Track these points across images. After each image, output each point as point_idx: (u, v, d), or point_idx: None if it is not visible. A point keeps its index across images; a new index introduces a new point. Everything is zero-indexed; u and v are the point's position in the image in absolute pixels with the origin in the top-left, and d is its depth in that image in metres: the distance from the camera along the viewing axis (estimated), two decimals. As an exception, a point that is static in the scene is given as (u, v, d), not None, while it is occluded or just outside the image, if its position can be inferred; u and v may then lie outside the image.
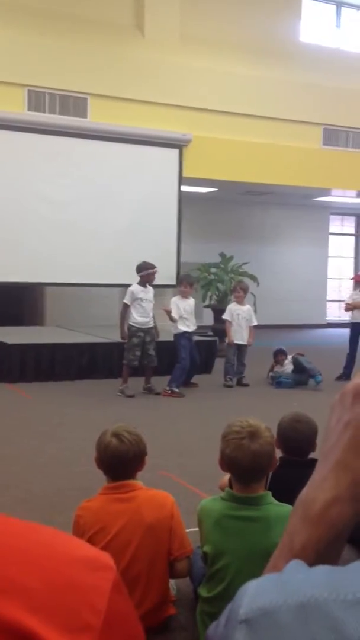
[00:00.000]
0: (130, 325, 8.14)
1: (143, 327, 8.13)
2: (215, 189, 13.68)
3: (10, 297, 11.94)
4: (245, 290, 9.26)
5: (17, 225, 10.41)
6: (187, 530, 2.94)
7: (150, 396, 8.25)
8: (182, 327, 8.50)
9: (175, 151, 11.60)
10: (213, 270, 12.54)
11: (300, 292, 16.59)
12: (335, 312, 17.18)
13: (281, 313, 15.58)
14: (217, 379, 9.19)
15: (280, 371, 9.13)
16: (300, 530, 0.69)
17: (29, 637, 0.55)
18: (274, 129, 12.49)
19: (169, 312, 8.37)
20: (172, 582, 3.02)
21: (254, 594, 0.58)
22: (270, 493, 2.63)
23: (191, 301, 8.73)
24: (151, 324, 8.22)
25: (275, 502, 2.59)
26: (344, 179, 13.35)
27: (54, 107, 10.98)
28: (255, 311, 9.56)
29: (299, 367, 9.01)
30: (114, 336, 8.89)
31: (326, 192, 14.30)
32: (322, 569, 0.59)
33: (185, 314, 8.53)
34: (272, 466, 2.63)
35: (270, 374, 9.24)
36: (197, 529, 2.79)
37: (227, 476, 2.78)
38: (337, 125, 13.20)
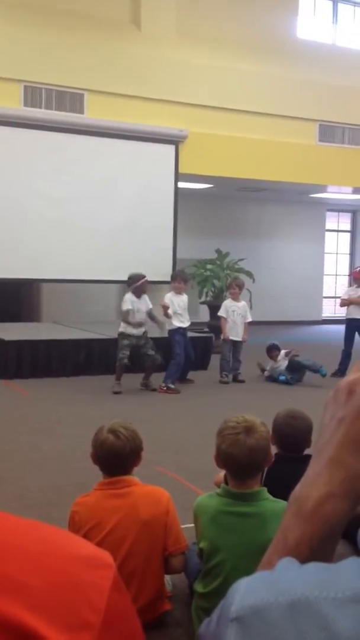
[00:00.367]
0: (121, 332, 8.16)
1: (133, 334, 8.13)
2: (212, 185, 13.67)
3: (6, 293, 11.92)
4: (240, 286, 9.26)
5: (13, 221, 10.39)
6: (183, 526, 2.95)
7: (146, 392, 8.26)
8: (176, 323, 8.51)
9: (172, 147, 11.59)
10: (209, 266, 12.53)
11: (296, 288, 16.59)
12: (331, 309, 17.19)
13: (277, 309, 15.59)
14: (212, 375, 9.19)
15: (275, 367, 9.14)
16: (294, 526, 0.69)
17: (29, 635, 0.55)
18: (271, 125, 12.48)
19: (166, 308, 8.37)
20: (167, 577, 3.03)
21: (245, 592, 0.58)
22: (265, 489, 2.64)
23: (185, 297, 8.73)
24: (142, 332, 8.21)
25: (271, 498, 2.60)
26: (339, 175, 13.36)
27: (50, 103, 10.95)
28: (251, 307, 9.56)
29: (296, 366, 9.01)
30: (111, 332, 8.89)
31: (322, 188, 14.29)
32: (313, 567, 0.59)
33: (179, 310, 8.54)
34: (267, 462, 2.64)
35: (266, 373, 9.24)
36: (192, 525, 2.80)
37: (222, 472, 2.79)
38: (333, 122, 13.20)
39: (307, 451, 3.20)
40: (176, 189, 11.66)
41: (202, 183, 13.30)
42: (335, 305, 15.70)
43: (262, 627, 0.54)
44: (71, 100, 11.07)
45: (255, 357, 9.24)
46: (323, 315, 17.51)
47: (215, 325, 10.27)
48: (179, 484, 4.62)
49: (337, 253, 18.40)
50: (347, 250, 18.64)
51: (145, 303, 8.21)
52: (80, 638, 0.57)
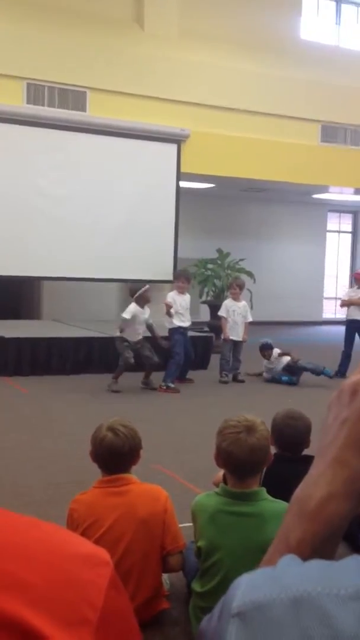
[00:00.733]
0: (119, 336, 8.13)
1: (131, 341, 8.10)
2: (213, 185, 13.68)
3: (7, 291, 11.93)
4: (241, 286, 9.27)
5: (15, 219, 10.39)
6: (181, 525, 2.95)
7: (146, 391, 8.26)
8: (177, 322, 8.50)
9: (174, 146, 11.59)
10: (210, 266, 12.54)
11: (297, 289, 16.60)
12: (332, 310, 17.19)
13: (278, 310, 15.59)
14: (212, 374, 9.20)
15: (270, 367, 9.12)
16: (296, 526, 0.69)
17: (29, 631, 0.56)
18: (273, 125, 12.48)
19: (169, 307, 8.36)
20: (164, 576, 3.03)
21: (247, 588, 0.58)
22: (264, 489, 2.64)
23: (187, 297, 8.73)
24: (140, 337, 8.18)
25: (270, 498, 2.60)
26: (341, 176, 13.36)
27: (53, 101, 10.96)
28: (251, 308, 9.57)
29: (296, 370, 9.00)
30: (111, 331, 8.89)
31: (324, 189, 14.30)
32: (315, 564, 0.59)
33: (181, 310, 8.54)
34: (267, 461, 2.64)
35: (264, 374, 9.22)
36: (191, 524, 2.80)
37: (221, 472, 2.79)
38: (335, 122, 13.20)
39: (305, 451, 3.20)
40: (178, 188, 11.66)
41: (204, 182, 13.30)
42: (335, 306, 15.70)
43: (264, 623, 0.54)
44: (74, 98, 11.07)
45: (254, 357, 9.24)
46: (324, 316, 17.52)
47: (216, 324, 10.28)
48: (178, 483, 4.63)
49: (338, 254, 18.41)
50: (349, 251, 18.65)
51: (147, 314, 8.14)
52: (79, 634, 0.58)
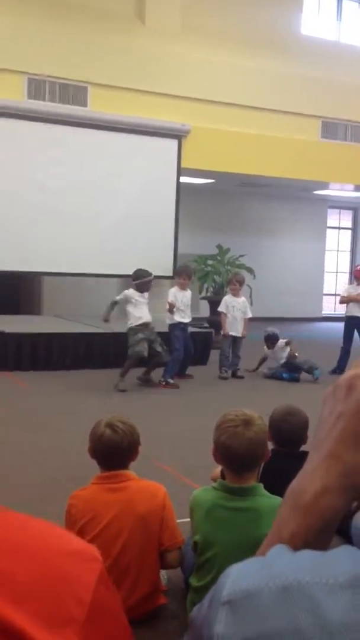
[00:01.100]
0: (131, 327, 8.01)
1: (144, 322, 8.01)
2: (213, 181, 13.65)
3: (8, 286, 11.93)
4: (241, 282, 9.26)
5: (15, 214, 10.38)
6: (180, 520, 2.96)
7: (145, 387, 8.26)
8: (177, 318, 8.50)
9: (174, 142, 11.56)
10: (210, 262, 12.53)
11: (296, 285, 16.58)
12: (332, 306, 17.18)
13: (277, 306, 15.57)
14: (212, 370, 9.20)
15: (273, 357, 9.10)
16: (290, 519, 0.70)
17: (9, 629, 0.55)
18: (273, 121, 12.46)
19: (172, 306, 8.35)
20: (163, 572, 3.04)
21: (237, 576, 0.59)
22: (262, 485, 2.65)
23: (189, 293, 8.73)
24: (150, 320, 8.13)
25: (267, 493, 2.60)
26: (342, 172, 13.34)
27: (54, 96, 10.94)
28: (251, 304, 9.56)
29: (293, 367, 9.01)
30: (111, 327, 8.88)
31: (324, 185, 14.28)
32: (306, 553, 0.60)
33: (182, 306, 8.53)
34: (265, 455, 2.65)
35: (264, 370, 9.21)
36: (189, 519, 2.80)
37: (219, 468, 2.80)
38: (335, 118, 13.18)
39: (303, 447, 3.21)
40: (178, 183, 11.64)
41: (204, 178, 13.28)
42: (335, 303, 15.69)
43: (253, 611, 0.55)
44: (75, 93, 11.06)
45: (254, 353, 9.24)
46: (323, 312, 17.51)
47: (215, 320, 10.28)
48: (177, 479, 4.63)
49: (338, 250, 18.39)
50: (348, 248, 18.63)
51: (145, 299, 8.13)
52: (63, 633, 0.57)
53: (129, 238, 11.05)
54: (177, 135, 11.58)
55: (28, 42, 10.51)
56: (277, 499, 2.50)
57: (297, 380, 8.86)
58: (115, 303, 8.11)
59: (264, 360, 9.30)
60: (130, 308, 8.03)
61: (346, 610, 0.52)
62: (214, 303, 11.09)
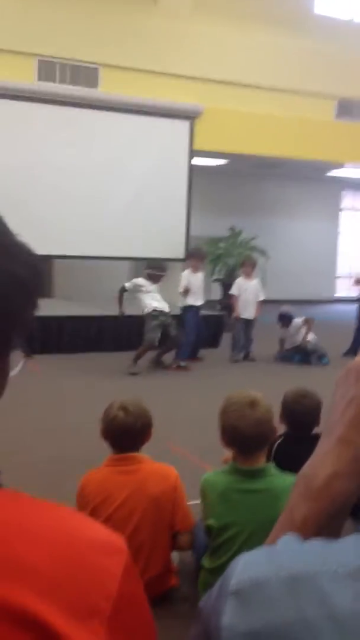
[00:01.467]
0: (148, 313, 8.01)
1: (160, 309, 8.00)
2: (226, 162, 13.57)
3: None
4: (253, 265, 9.23)
5: (27, 196, 10.36)
6: (193, 502, 2.96)
7: (158, 370, 8.28)
8: (190, 301, 8.50)
9: (186, 123, 11.49)
10: (222, 244, 12.49)
11: (310, 267, 16.52)
12: (345, 288, 17.11)
13: (290, 288, 15.53)
14: (224, 353, 9.20)
15: (289, 338, 9.04)
16: (301, 504, 0.69)
17: (35, 621, 0.54)
18: (287, 100, 12.34)
19: (187, 291, 8.36)
20: (174, 553, 3.05)
21: (245, 566, 0.58)
22: (272, 464, 2.66)
23: (200, 275, 8.73)
24: (167, 308, 8.12)
25: (279, 473, 2.61)
26: (357, 152, 13.20)
27: (64, 77, 10.88)
28: (264, 286, 9.53)
29: (303, 350, 8.99)
30: (122, 309, 8.86)
31: (339, 165, 14.15)
32: (315, 543, 0.59)
33: (194, 289, 8.53)
34: (272, 434, 2.66)
35: (275, 354, 9.18)
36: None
37: (230, 452, 2.80)
38: (350, 98, 13.02)
39: (316, 430, 3.20)
40: (190, 165, 11.58)
41: (217, 159, 13.20)
42: (349, 285, 15.62)
43: (260, 601, 0.54)
44: (85, 74, 10.99)
45: (266, 335, 9.22)
46: (336, 294, 17.44)
47: (228, 303, 10.26)
48: (189, 461, 4.65)
49: (352, 232, 18.27)
50: (362, 230, 18.51)
51: (155, 288, 8.12)
52: (90, 625, 0.56)
53: (141, 220, 11.02)
54: (189, 116, 11.50)
55: (38, 24, 10.44)
56: (290, 478, 2.51)
57: (309, 362, 8.84)
58: (124, 290, 8.09)
59: (283, 341, 9.23)
60: (141, 296, 8.02)
61: (355, 599, 0.51)
62: (227, 286, 11.08)
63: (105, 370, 8.02)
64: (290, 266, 15.71)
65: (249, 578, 0.56)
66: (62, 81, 10.86)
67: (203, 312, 9.16)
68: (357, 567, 0.53)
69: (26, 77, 10.55)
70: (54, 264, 12.48)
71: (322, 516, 0.68)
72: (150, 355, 8.33)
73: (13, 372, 0.75)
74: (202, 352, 8.99)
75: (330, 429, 0.71)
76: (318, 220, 16.91)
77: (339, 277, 17.68)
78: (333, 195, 17.10)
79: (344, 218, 17.91)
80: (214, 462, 4.21)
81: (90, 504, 2.74)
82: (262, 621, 0.53)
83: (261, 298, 9.10)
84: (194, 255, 8.85)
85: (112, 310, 9.66)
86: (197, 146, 11.55)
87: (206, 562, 2.74)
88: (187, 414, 6.25)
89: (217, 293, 12.52)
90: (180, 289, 8.45)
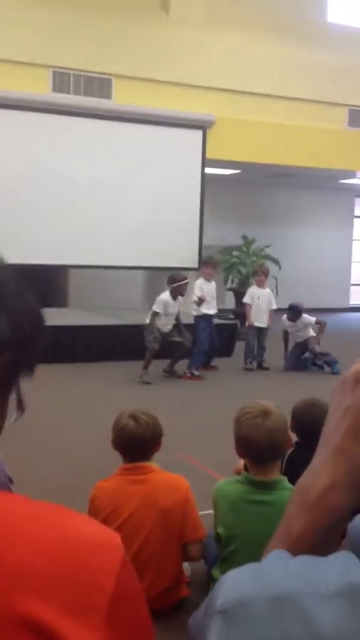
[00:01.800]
0: (151, 326, 8.02)
1: (163, 332, 8.06)
2: (239, 171, 13.57)
3: (34, 279, 11.96)
4: (266, 273, 9.23)
5: (41, 207, 10.41)
6: (205, 512, 2.95)
7: (171, 379, 8.27)
8: (204, 310, 8.49)
9: (199, 132, 11.50)
10: (235, 253, 12.47)
11: (323, 275, 16.44)
12: (359, 296, 17.02)
13: (304, 296, 15.32)
14: (237, 362, 9.17)
15: (292, 332, 8.95)
16: (298, 516, 0.69)
17: (35, 621, 0.55)
18: (299, 110, 12.33)
19: (202, 300, 8.35)
20: (186, 563, 3.04)
21: (231, 585, 0.58)
22: (286, 478, 2.64)
23: (214, 284, 8.72)
24: (170, 328, 8.13)
25: (291, 487, 2.59)
26: (370, 161, 13.16)
27: (78, 88, 10.95)
28: (277, 295, 9.50)
29: (312, 352, 8.95)
30: (136, 319, 8.89)
31: (351, 174, 14.11)
32: (302, 560, 0.59)
33: (207, 297, 8.52)
34: (287, 443, 2.65)
35: (284, 362, 9.11)
36: (212, 511, 2.80)
37: (241, 461, 2.79)
38: (363, 107, 13.00)
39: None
40: (203, 174, 11.58)
41: (229, 168, 13.20)
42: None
43: (245, 621, 0.54)
44: (99, 85, 11.06)
45: (279, 344, 9.16)
46: (351, 302, 17.35)
47: (241, 312, 10.24)
48: (202, 471, 4.64)
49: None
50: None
51: (177, 307, 8.10)
52: (87, 621, 0.57)
53: (154, 230, 11.03)
54: (202, 125, 11.52)
55: (52, 36, 10.52)
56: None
57: (321, 367, 8.79)
58: (155, 314, 7.99)
59: (287, 334, 9.09)
60: (162, 316, 8.00)
61: (337, 620, 0.51)
62: (240, 294, 11.06)
63: (118, 380, 8.02)
64: (303, 274, 15.64)
65: (234, 598, 0.56)
66: (76, 92, 10.92)
67: (216, 321, 9.15)
68: (340, 588, 0.53)
69: (41, 89, 10.63)
70: (69, 273, 12.53)
71: (319, 528, 0.67)
72: (163, 364, 8.33)
73: (8, 423, 0.77)
74: (215, 361, 8.96)
75: (326, 439, 0.70)
76: (331, 228, 16.84)
77: (353, 284, 17.58)
78: (346, 203, 17.03)
79: (358, 226, 17.82)
80: (226, 472, 4.19)
81: (101, 515, 2.73)
82: None
83: (274, 307, 9.07)
84: (207, 264, 8.85)
85: (126, 319, 9.70)
86: (210, 156, 11.56)
87: (216, 573, 2.73)
88: (200, 423, 6.23)
89: (230, 302, 12.49)
90: (194, 298, 8.45)
